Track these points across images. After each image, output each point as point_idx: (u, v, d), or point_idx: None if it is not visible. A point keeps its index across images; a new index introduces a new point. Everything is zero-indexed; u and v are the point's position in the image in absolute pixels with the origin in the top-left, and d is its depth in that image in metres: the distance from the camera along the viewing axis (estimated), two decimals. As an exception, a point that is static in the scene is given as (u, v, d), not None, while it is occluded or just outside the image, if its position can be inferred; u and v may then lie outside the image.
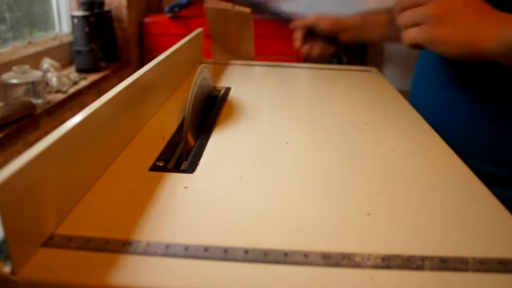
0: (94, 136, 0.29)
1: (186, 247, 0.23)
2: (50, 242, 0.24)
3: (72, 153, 0.26)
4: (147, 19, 1.65)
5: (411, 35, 0.50)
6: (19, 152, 0.94)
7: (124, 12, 1.53)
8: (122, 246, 0.23)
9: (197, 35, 0.65)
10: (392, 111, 0.48)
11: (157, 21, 1.65)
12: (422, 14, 0.50)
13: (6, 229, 0.20)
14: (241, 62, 0.69)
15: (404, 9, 0.52)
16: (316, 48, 0.74)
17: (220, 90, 0.54)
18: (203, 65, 0.47)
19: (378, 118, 0.46)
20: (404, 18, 0.52)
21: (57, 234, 0.24)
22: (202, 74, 0.46)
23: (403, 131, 0.42)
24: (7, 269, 0.21)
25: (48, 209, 0.24)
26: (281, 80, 0.61)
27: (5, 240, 0.21)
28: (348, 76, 0.62)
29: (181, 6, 1.59)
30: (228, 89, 0.54)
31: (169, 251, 0.23)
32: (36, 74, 0.98)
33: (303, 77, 0.63)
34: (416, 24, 0.51)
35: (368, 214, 0.28)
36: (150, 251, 0.23)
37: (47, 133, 1.12)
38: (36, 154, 0.22)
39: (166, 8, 1.62)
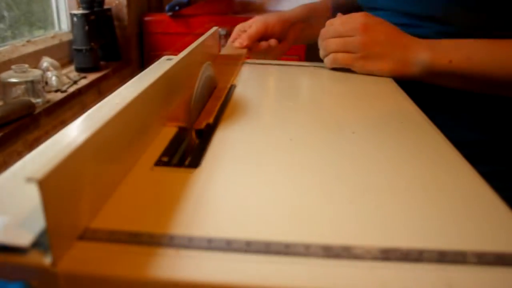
0: (124, 131, 0.30)
1: (190, 239, 0.24)
2: (86, 235, 0.24)
3: (105, 147, 0.27)
4: (147, 18, 1.65)
5: (339, 59, 0.58)
6: (18, 152, 0.94)
7: (124, 11, 1.53)
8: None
9: (213, 33, 0.65)
10: (397, 110, 0.49)
11: (158, 20, 1.65)
12: (350, 44, 0.58)
13: (48, 221, 0.21)
14: (245, 61, 0.69)
15: (330, 37, 0.60)
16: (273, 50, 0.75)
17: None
18: (207, 62, 0.47)
19: (382, 117, 0.46)
20: (331, 43, 0.59)
21: (92, 228, 0.25)
22: (207, 71, 0.47)
23: (406, 129, 0.43)
24: (47, 260, 0.21)
25: (84, 202, 0.24)
26: (285, 78, 0.61)
27: (45, 232, 0.21)
28: (352, 75, 0.62)
29: (182, 5, 1.59)
30: (233, 87, 0.54)
31: (174, 242, 0.24)
32: (35, 73, 0.98)
33: (307, 76, 0.63)
34: (344, 51, 0.58)
35: (369, 207, 0.28)
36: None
37: (46, 132, 1.13)
38: (75, 147, 0.23)
39: (167, 7, 1.62)
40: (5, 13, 1.15)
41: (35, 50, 1.18)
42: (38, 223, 0.23)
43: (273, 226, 0.26)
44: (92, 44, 1.27)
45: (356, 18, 0.59)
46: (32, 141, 0.99)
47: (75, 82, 1.18)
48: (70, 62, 1.35)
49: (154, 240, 0.24)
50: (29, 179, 0.19)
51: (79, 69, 1.28)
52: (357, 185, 0.31)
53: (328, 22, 0.63)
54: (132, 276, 0.22)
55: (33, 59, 1.15)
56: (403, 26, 0.61)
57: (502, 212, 0.28)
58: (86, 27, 1.25)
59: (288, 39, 0.76)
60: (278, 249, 0.23)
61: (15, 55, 1.10)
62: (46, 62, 1.14)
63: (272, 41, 0.74)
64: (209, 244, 0.24)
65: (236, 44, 0.73)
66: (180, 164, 0.34)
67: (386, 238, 0.25)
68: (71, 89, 1.13)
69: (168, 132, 0.38)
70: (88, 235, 0.24)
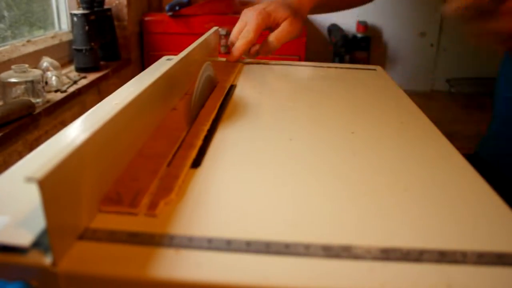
0: (123, 130, 0.30)
1: (190, 239, 0.24)
2: (86, 235, 0.24)
3: (104, 147, 0.27)
4: (147, 18, 1.65)
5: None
6: (18, 152, 0.94)
7: (124, 11, 1.53)
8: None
9: (212, 33, 0.65)
10: (397, 110, 0.49)
11: (158, 20, 1.65)
12: None
13: (48, 221, 0.21)
14: (245, 60, 0.69)
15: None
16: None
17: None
18: (207, 62, 0.47)
19: (381, 117, 0.46)
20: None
21: (92, 228, 0.25)
22: (207, 71, 0.47)
23: (406, 129, 0.43)
24: (48, 260, 0.21)
25: (84, 202, 0.24)
26: (285, 78, 0.61)
27: (46, 232, 0.21)
28: (353, 75, 0.62)
29: (182, 5, 1.59)
30: (233, 87, 0.54)
31: (174, 242, 0.24)
32: (35, 73, 0.98)
33: (307, 76, 0.63)
34: None
35: (369, 207, 0.28)
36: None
37: (46, 132, 1.12)
38: (75, 148, 0.23)
39: (167, 7, 1.62)
40: (5, 13, 1.15)
41: (35, 50, 1.18)
42: (38, 223, 0.23)
43: (273, 226, 0.26)
44: (92, 44, 1.27)
45: None
46: (32, 141, 0.99)
47: (75, 82, 1.18)
48: (70, 62, 1.35)
49: (154, 240, 0.24)
50: (29, 179, 0.19)
51: (79, 69, 1.28)
52: (357, 185, 0.31)
53: None
54: (132, 276, 0.22)
55: (33, 59, 1.14)
56: None
57: (502, 212, 0.28)
58: (86, 27, 1.25)
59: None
60: (278, 249, 0.23)
61: (15, 55, 1.10)
62: (46, 62, 1.13)
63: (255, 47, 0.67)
64: (209, 244, 0.24)
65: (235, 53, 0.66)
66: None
67: (386, 238, 0.25)
68: (71, 89, 1.13)
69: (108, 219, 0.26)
70: (88, 235, 0.24)
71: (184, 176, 0.31)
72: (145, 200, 0.27)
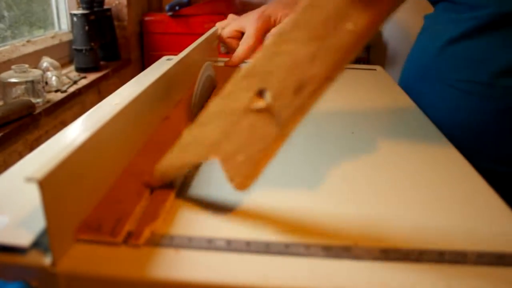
0: (123, 131, 0.30)
1: (190, 239, 0.24)
2: None
3: (104, 148, 0.27)
4: (147, 18, 1.65)
5: None
6: (19, 152, 0.94)
7: (124, 11, 1.53)
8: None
9: (212, 33, 0.65)
10: (397, 110, 0.49)
11: (158, 20, 1.65)
12: None
13: (48, 221, 0.21)
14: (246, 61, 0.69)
15: None
16: None
17: None
18: (208, 62, 0.47)
19: (382, 117, 0.46)
20: None
21: None
22: (207, 71, 0.47)
23: (407, 129, 0.43)
24: (47, 260, 0.21)
25: (83, 202, 0.24)
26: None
27: (45, 232, 0.21)
28: (353, 75, 0.62)
29: (182, 5, 1.59)
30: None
31: (174, 242, 0.24)
32: (35, 73, 0.98)
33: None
34: None
35: (369, 207, 0.28)
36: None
37: (46, 132, 1.12)
38: (75, 148, 0.23)
39: (167, 7, 1.62)
40: (5, 13, 1.15)
41: (35, 50, 1.18)
42: (38, 223, 0.23)
43: (273, 226, 0.26)
44: (92, 44, 1.27)
45: None
46: (32, 141, 0.99)
47: (75, 82, 1.18)
48: (70, 62, 1.35)
49: (154, 240, 0.24)
50: (29, 179, 0.19)
51: (79, 69, 1.28)
52: (357, 185, 0.31)
53: None
54: (132, 276, 0.22)
55: (33, 59, 1.14)
56: None
57: (502, 212, 0.28)
58: (86, 27, 1.25)
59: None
60: (278, 249, 0.23)
61: (15, 55, 1.10)
62: (46, 62, 1.13)
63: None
64: (209, 244, 0.24)
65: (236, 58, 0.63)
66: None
67: (386, 238, 0.25)
68: (71, 89, 1.13)
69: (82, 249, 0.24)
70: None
71: (172, 200, 0.27)
72: (128, 227, 0.24)
